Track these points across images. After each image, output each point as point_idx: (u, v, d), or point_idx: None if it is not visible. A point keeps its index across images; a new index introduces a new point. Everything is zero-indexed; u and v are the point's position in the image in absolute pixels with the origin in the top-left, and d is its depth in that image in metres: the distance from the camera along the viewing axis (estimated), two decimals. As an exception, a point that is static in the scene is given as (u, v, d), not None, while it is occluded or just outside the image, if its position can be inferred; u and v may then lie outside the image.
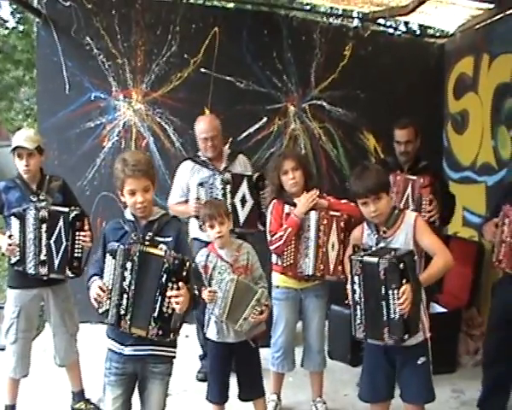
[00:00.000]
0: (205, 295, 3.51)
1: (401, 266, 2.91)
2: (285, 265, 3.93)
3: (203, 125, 4.57)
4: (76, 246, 3.71)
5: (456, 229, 5.89)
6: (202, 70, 5.99)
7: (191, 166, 4.61)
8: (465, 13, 5.94)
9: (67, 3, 5.64)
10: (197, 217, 4.18)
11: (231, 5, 6.83)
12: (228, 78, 6.05)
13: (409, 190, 4.19)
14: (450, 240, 5.58)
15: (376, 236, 3.25)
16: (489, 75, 5.69)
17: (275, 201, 4.03)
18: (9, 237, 3.73)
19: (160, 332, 2.80)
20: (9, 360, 3.94)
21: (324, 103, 6.34)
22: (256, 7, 6.88)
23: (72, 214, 3.69)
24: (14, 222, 3.73)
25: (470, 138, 6.03)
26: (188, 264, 2.81)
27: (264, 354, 4.06)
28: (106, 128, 5.91)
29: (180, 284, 2.76)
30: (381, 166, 3.57)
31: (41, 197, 3.87)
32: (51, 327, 4.10)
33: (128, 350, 2.93)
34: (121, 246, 2.82)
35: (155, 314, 2.78)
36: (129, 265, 2.79)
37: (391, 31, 7.37)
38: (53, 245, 3.69)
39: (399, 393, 3.30)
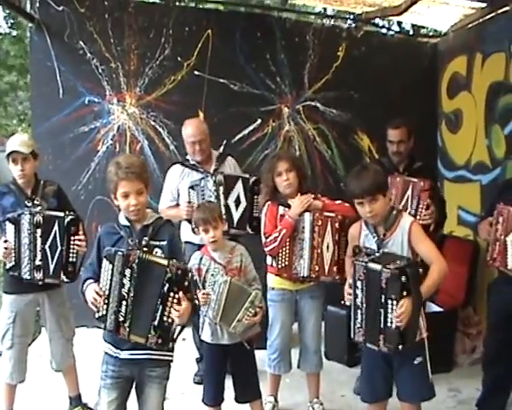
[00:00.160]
0: (199, 297, 3.51)
1: (403, 278, 2.91)
2: (280, 266, 3.92)
3: (190, 130, 4.56)
4: (71, 251, 3.71)
5: (451, 228, 5.89)
6: (196, 73, 6.00)
7: (181, 171, 4.60)
8: (458, 12, 5.97)
9: (60, 8, 5.64)
10: (189, 220, 4.19)
11: (223, 8, 6.84)
12: (221, 80, 6.05)
13: (409, 192, 4.14)
14: (445, 239, 5.61)
15: (376, 238, 3.23)
16: (482, 74, 5.70)
17: (269, 202, 4.02)
18: (5, 242, 3.72)
19: (160, 341, 2.81)
20: (6, 366, 3.93)
21: (318, 104, 6.35)
22: (249, 9, 6.89)
23: (68, 219, 3.70)
24: (9, 227, 3.73)
25: (464, 137, 6.05)
26: (190, 274, 2.81)
27: (261, 355, 4.06)
28: (100, 132, 5.90)
29: (181, 294, 2.76)
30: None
31: (36, 202, 3.86)
32: (47, 332, 4.10)
33: (124, 354, 2.93)
34: (119, 252, 2.80)
35: (155, 323, 2.78)
36: (128, 272, 2.78)
37: (384, 31, 7.39)
38: (48, 250, 3.69)
39: (396, 392, 3.31)
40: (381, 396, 3.36)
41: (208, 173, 4.46)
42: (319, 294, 4.12)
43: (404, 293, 2.92)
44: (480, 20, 5.75)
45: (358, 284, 3.07)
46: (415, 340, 3.09)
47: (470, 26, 5.96)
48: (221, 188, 4.29)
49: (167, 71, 5.95)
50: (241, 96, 6.09)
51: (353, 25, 6.69)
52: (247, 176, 4.48)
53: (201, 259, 3.69)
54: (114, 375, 2.98)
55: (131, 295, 2.79)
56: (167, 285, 2.75)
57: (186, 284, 2.80)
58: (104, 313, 2.82)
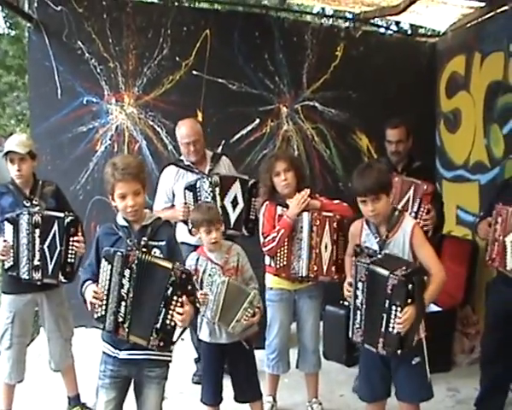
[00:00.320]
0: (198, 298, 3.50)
1: (409, 286, 2.91)
2: (278, 266, 3.92)
3: (184, 130, 4.55)
4: (69, 251, 3.72)
5: (449, 227, 5.89)
6: (194, 72, 5.98)
7: (175, 172, 4.59)
8: (456, 12, 5.97)
9: (59, 8, 5.62)
10: (185, 222, 4.18)
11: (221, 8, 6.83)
12: (220, 80, 6.04)
13: (410, 193, 4.12)
14: (444, 239, 5.60)
15: (378, 239, 3.22)
16: (481, 73, 5.70)
17: (267, 202, 4.01)
18: (3, 241, 3.72)
19: (162, 343, 2.80)
20: (4, 366, 3.93)
21: (317, 104, 6.35)
22: (247, 9, 6.88)
23: (68, 220, 3.70)
24: (8, 227, 3.73)
25: (463, 137, 6.04)
26: (194, 278, 2.80)
27: (259, 355, 4.06)
28: (98, 132, 5.89)
29: (184, 298, 2.76)
30: None
31: (34, 202, 3.87)
32: (46, 332, 4.10)
33: (123, 354, 2.93)
34: (118, 252, 2.79)
35: (158, 326, 2.77)
36: (127, 272, 2.78)
37: (382, 31, 7.38)
38: (47, 250, 3.70)
39: (395, 392, 3.31)
40: (380, 396, 3.37)
41: (204, 174, 4.45)
42: (317, 294, 4.11)
43: (409, 301, 2.93)
44: (479, 20, 5.74)
45: (359, 285, 3.07)
46: (412, 345, 3.09)
47: (469, 25, 5.95)
48: (217, 189, 4.29)
49: (165, 71, 5.94)
50: (239, 96, 6.08)
51: (352, 25, 6.68)
52: (246, 177, 4.48)
53: (198, 260, 3.69)
54: (113, 375, 2.98)
55: (131, 295, 2.78)
56: (171, 289, 2.74)
57: (189, 287, 2.80)
58: (103, 313, 2.81)
